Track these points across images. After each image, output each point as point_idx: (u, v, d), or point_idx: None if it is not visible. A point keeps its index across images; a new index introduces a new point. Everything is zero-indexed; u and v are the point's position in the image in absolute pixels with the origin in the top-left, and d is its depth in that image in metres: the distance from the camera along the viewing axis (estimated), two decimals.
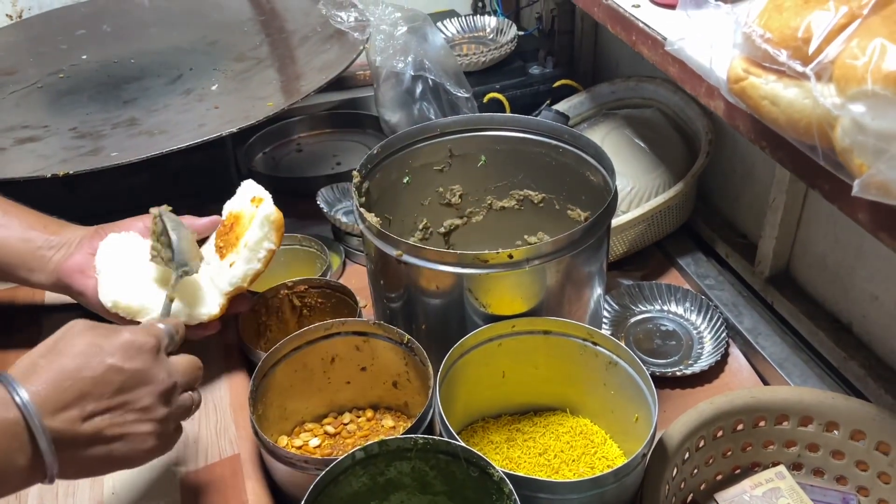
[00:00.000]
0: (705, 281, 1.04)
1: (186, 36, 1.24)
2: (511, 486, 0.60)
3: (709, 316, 0.99)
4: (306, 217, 1.18)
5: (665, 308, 1.03)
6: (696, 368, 0.92)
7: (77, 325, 0.58)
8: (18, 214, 0.81)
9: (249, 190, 0.85)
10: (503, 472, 0.61)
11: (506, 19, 1.38)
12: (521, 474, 0.63)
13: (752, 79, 0.52)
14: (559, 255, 0.74)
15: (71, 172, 0.85)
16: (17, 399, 0.51)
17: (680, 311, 1.02)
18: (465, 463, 0.63)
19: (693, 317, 1.01)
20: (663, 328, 1.00)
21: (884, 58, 0.42)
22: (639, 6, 0.77)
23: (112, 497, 0.70)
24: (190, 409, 0.64)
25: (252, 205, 0.83)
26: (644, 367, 0.72)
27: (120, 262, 0.81)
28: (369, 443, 0.63)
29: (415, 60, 1.06)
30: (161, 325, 0.63)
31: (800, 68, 0.47)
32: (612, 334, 0.87)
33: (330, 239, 1.13)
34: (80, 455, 0.55)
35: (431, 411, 0.71)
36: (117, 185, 1.03)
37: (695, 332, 0.99)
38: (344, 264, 1.12)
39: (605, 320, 0.98)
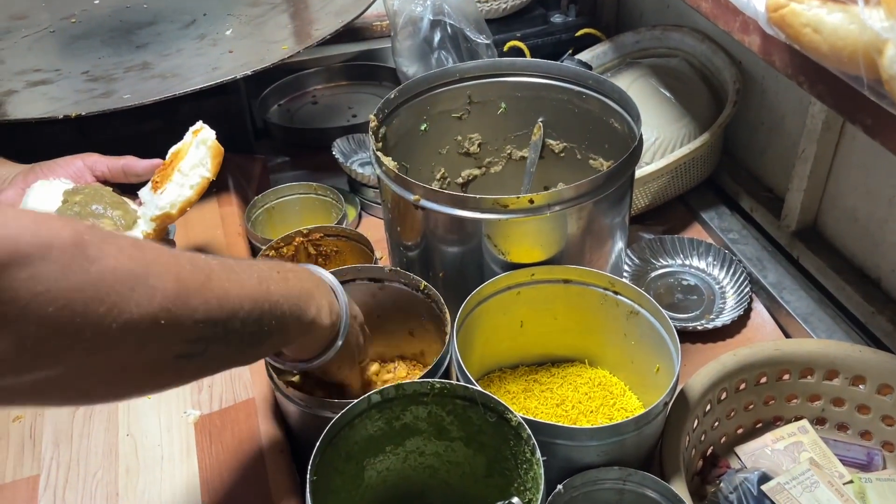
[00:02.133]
0: (729, 235, 1.02)
1: None
2: (529, 430, 0.59)
3: (732, 270, 0.97)
4: (322, 169, 1.17)
5: (687, 262, 1.00)
6: (718, 323, 0.90)
7: None
8: None
9: (194, 128, 0.81)
10: (521, 417, 0.60)
11: None
12: (539, 420, 0.62)
13: (793, 5, 0.49)
14: (581, 202, 0.72)
15: (83, 114, 0.84)
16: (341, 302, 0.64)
17: (702, 265, 0.99)
18: (482, 408, 0.62)
19: (715, 271, 0.98)
20: (685, 283, 0.98)
21: None
22: None
23: (127, 439, 0.70)
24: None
25: (192, 136, 0.79)
26: (666, 315, 0.70)
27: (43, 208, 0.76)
28: (385, 386, 0.62)
29: (433, 4, 1.03)
30: None
31: None
32: None
33: (346, 191, 1.12)
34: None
35: (448, 357, 0.70)
36: (130, 130, 1.01)
37: (717, 286, 0.97)
38: (360, 216, 1.10)
39: (625, 274, 0.96)
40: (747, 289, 0.94)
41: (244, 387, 0.74)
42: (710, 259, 0.99)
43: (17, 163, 0.82)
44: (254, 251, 0.91)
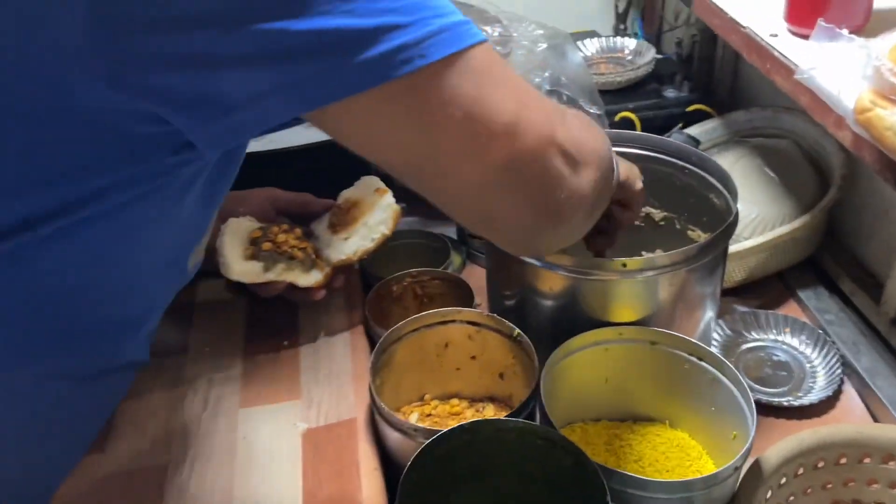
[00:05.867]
0: (825, 316, 1.02)
1: None
2: (603, 477, 0.63)
3: (825, 351, 0.97)
4: (432, 217, 1.25)
5: (779, 339, 1.02)
6: (805, 401, 0.91)
7: None
8: None
9: (371, 183, 0.95)
10: (597, 464, 0.64)
11: (645, 42, 1.41)
12: (612, 468, 0.66)
13: (878, 110, 0.53)
14: (673, 269, 0.77)
15: None
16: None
17: (795, 343, 1.01)
18: (561, 451, 0.67)
19: (808, 350, 0.99)
20: (775, 358, 1.00)
21: None
22: (776, 35, 0.78)
23: (243, 441, 0.79)
24: None
25: (376, 194, 0.93)
26: (745, 385, 0.73)
27: (237, 245, 0.86)
28: (472, 420, 0.68)
29: (552, 76, 1.11)
30: None
31: None
32: None
33: (454, 239, 1.20)
34: None
35: (534, 402, 0.75)
36: None
37: (808, 365, 0.98)
38: (464, 264, 1.18)
39: (715, 343, 0.98)
40: (839, 371, 0.94)
41: (349, 407, 0.82)
42: (804, 338, 1.00)
43: None
44: (367, 285, 1.01)
